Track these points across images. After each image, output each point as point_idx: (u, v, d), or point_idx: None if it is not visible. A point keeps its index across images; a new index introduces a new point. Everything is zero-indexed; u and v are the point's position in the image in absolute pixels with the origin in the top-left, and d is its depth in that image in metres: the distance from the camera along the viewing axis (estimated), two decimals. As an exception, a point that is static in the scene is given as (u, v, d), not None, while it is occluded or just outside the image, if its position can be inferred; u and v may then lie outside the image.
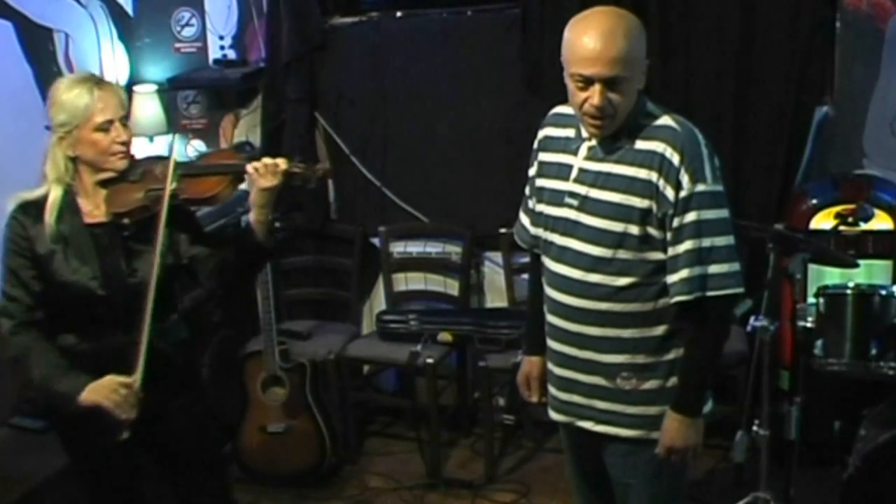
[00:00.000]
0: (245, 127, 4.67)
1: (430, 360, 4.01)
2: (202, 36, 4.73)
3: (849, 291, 3.28)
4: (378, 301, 4.65)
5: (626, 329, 2.38)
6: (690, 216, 2.28)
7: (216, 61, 4.69)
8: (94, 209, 2.56)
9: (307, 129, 4.57)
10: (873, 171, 3.94)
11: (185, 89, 4.74)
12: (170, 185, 2.50)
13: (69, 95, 2.49)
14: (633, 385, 2.40)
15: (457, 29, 4.44)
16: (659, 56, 3.97)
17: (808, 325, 3.36)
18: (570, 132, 2.44)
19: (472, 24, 4.43)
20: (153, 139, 4.72)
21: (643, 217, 2.31)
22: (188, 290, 2.94)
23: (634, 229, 2.32)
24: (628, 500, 2.53)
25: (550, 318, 2.50)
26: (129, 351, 2.48)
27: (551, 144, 2.50)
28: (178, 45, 4.75)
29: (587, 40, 2.24)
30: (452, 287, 4.51)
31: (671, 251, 2.32)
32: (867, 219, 3.43)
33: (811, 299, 3.40)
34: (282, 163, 2.49)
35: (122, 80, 4.70)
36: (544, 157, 2.52)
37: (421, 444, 4.13)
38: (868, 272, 3.51)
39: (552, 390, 2.57)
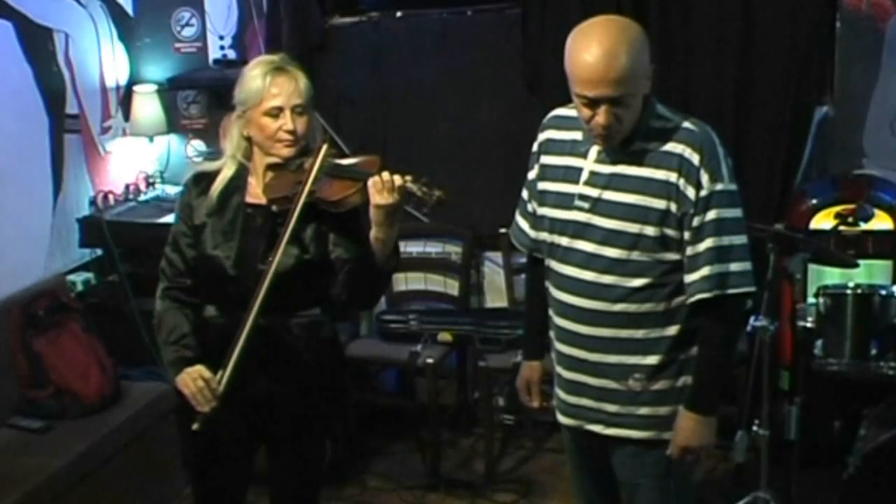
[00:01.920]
0: (245, 127, 4.66)
1: (430, 360, 4.01)
2: (202, 36, 4.73)
3: (849, 291, 3.28)
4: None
5: (639, 330, 2.37)
6: (711, 214, 2.29)
7: (216, 61, 4.69)
8: (260, 192, 2.55)
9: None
10: (873, 171, 3.94)
11: (185, 89, 4.75)
12: (310, 182, 2.43)
13: (248, 76, 2.51)
14: (644, 386, 2.39)
15: (457, 29, 4.44)
16: (659, 57, 3.94)
17: (808, 325, 3.37)
18: (577, 135, 2.41)
19: (472, 24, 4.44)
20: (153, 139, 4.72)
21: (660, 218, 2.30)
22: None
23: (650, 230, 2.31)
24: (636, 500, 2.51)
25: (559, 321, 2.48)
26: (262, 332, 2.46)
27: (554, 147, 2.47)
28: (178, 45, 4.76)
29: (589, 60, 2.20)
30: (452, 287, 4.51)
31: (690, 250, 2.31)
32: (867, 219, 3.43)
33: (811, 299, 3.40)
34: (398, 180, 2.34)
35: (122, 80, 4.71)
36: (547, 160, 2.49)
37: (421, 444, 4.13)
38: (868, 272, 3.50)
39: (560, 394, 2.55)
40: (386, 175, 2.35)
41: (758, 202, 4.08)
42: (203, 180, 2.59)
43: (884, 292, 3.27)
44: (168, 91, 4.72)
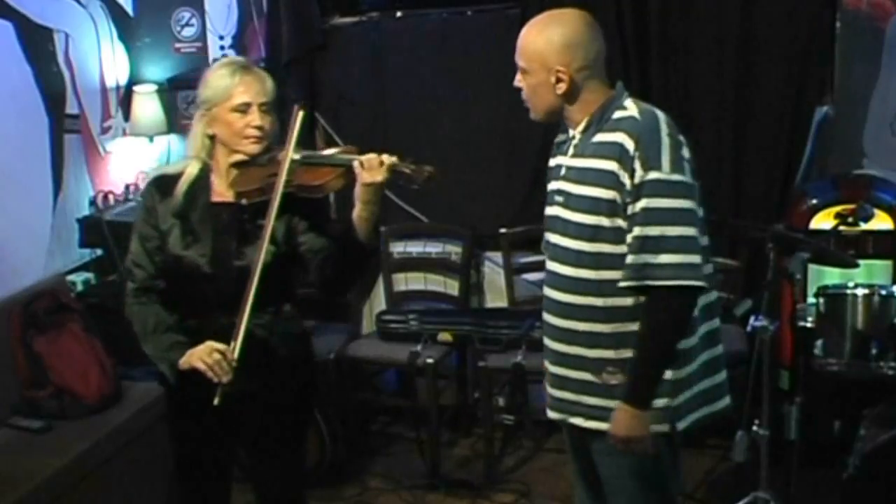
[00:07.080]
0: (245, 127, 4.67)
1: (430, 360, 4.01)
2: (202, 36, 4.73)
3: (849, 291, 3.28)
4: (378, 301, 4.65)
5: (609, 324, 2.38)
6: (640, 203, 2.29)
7: (216, 61, 4.69)
8: (224, 189, 2.59)
9: (307, 129, 4.58)
10: (873, 171, 3.94)
11: (185, 89, 4.75)
12: (285, 173, 2.48)
13: (215, 75, 2.57)
14: (619, 380, 2.40)
15: (457, 29, 4.44)
16: (659, 57, 3.97)
17: (808, 325, 3.37)
18: (566, 135, 2.50)
19: (472, 24, 4.44)
20: (153, 139, 4.72)
21: (611, 209, 2.33)
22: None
23: (605, 221, 2.34)
24: (613, 493, 2.54)
25: (544, 316, 2.53)
26: (231, 332, 2.50)
27: (556, 149, 2.57)
28: (178, 45, 4.76)
29: None
30: (452, 287, 4.51)
31: (628, 238, 2.33)
32: (867, 219, 3.43)
33: (811, 299, 3.40)
34: (386, 159, 2.45)
35: (122, 80, 4.71)
36: (551, 161, 2.58)
37: (421, 444, 4.12)
38: (868, 272, 3.51)
39: (548, 388, 2.59)
40: (372, 154, 2.46)
41: (758, 202, 4.09)
42: (165, 183, 2.62)
43: (884, 292, 3.26)
44: (168, 91, 4.72)
